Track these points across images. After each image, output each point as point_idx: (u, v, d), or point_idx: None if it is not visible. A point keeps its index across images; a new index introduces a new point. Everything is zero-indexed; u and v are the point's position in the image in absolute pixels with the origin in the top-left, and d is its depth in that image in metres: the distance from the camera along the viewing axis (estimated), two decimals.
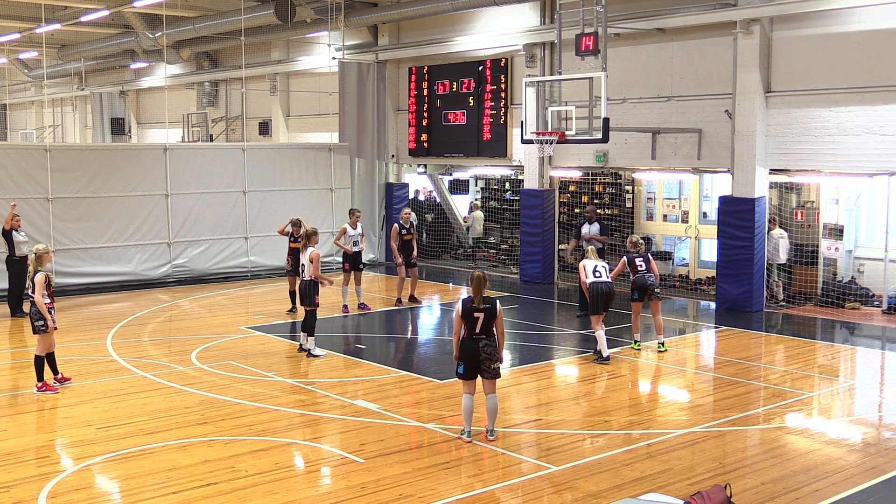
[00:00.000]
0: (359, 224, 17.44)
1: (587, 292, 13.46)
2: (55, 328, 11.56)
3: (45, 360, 11.57)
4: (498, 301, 9.63)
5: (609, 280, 13.31)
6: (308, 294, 13.46)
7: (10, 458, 9.09)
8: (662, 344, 13.85)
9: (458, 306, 9.56)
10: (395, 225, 17.89)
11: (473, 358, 9.49)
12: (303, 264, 13.68)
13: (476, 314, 9.46)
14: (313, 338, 13.47)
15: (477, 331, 9.48)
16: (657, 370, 13.01)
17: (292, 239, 16.66)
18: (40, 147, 19.49)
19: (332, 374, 12.55)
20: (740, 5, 16.78)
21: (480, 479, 8.65)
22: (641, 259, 13.76)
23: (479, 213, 24.97)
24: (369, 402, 11.02)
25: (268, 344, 14.47)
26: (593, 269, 13.32)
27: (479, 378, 9.63)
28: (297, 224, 16.69)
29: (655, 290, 13.71)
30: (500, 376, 9.71)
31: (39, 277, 11.40)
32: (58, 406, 11.03)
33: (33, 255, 11.65)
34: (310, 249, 13.54)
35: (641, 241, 14.21)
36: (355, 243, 17.18)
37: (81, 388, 11.70)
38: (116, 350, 13.90)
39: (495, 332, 9.55)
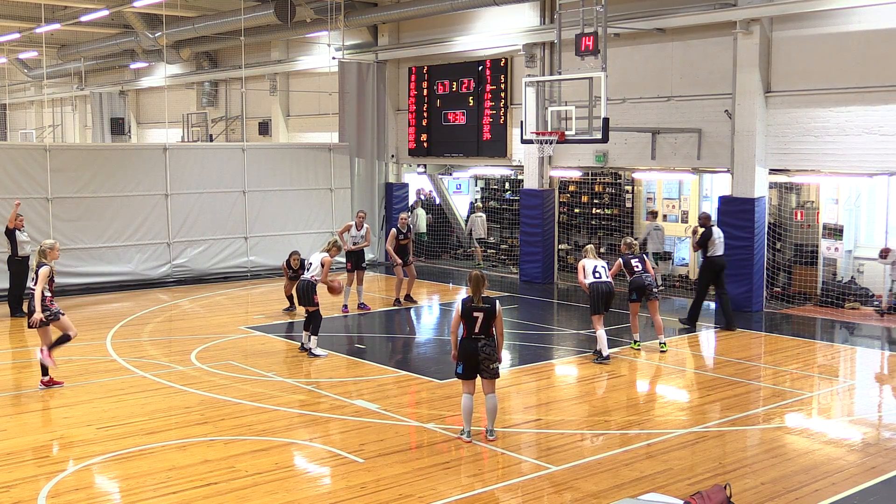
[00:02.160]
0: (364, 225, 17.51)
1: (586, 291, 13.50)
2: (39, 320, 11.39)
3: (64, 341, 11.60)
4: (497, 301, 9.63)
5: (609, 280, 13.34)
6: (307, 294, 13.48)
7: (10, 458, 9.09)
8: (664, 344, 13.86)
9: (458, 305, 9.57)
10: (394, 230, 17.88)
11: (472, 358, 9.49)
12: (310, 263, 13.78)
13: (475, 314, 9.46)
14: (316, 337, 13.48)
15: (476, 331, 9.48)
16: (657, 370, 13.02)
17: (291, 274, 16.67)
18: (40, 147, 19.49)
19: (331, 374, 12.55)
20: (740, 5, 16.79)
21: (480, 479, 8.65)
22: (637, 260, 13.78)
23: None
24: (369, 402, 11.02)
25: (268, 344, 14.47)
26: (593, 270, 13.34)
27: (478, 378, 9.64)
28: (295, 254, 16.85)
29: (654, 290, 13.74)
30: (499, 376, 9.70)
31: (44, 270, 11.41)
32: (58, 406, 11.03)
33: (39, 249, 11.66)
34: (325, 254, 13.69)
35: (636, 241, 14.22)
36: (355, 242, 17.27)
37: (81, 388, 11.70)
38: (116, 350, 13.90)
39: (494, 332, 9.55)
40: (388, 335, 16.14)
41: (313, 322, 13.47)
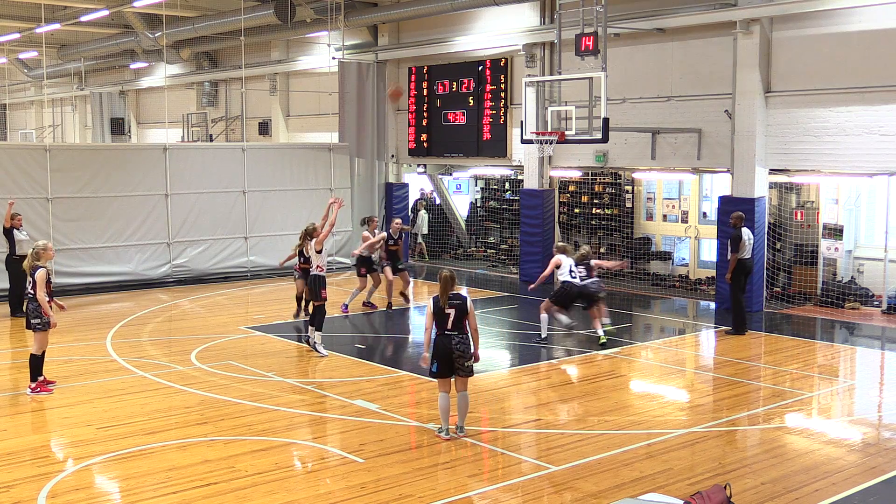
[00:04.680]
0: (377, 230, 17.57)
1: (541, 281, 14.63)
2: (55, 324, 11.45)
3: (41, 360, 11.52)
4: (468, 298, 9.69)
5: (581, 283, 14.26)
6: (315, 288, 13.45)
7: (10, 458, 9.09)
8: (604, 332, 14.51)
9: (430, 303, 9.64)
10: (385, 233, 17.59)
11: (446, 355, 9.54)
12: (308, 257, 13.76)
13: (447, 310, 9.54)
14: (320, 333, 13.46)
15: (448, 327, 9.54)
16: (657, 370, 13.02)
17: (302, 259, 15.55)
18: (40, 147, 19.48)
19: (332, 374, 12.55)
20: (740, 5, 16.78)
21: (480, 479, 8.65)
22: (582, 266, 14.54)
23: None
24: (369, 402, 11.02)
25: (268, 344, 14.46)
26: (569, 269, 14.30)
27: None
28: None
29: (598, 295, 14.51)
30: (473, 374, 9.78)
31: (41, 274, 11.38)
32: (58, 406, 11.02)
33: (32, 251, 11.59)
34: (311, 242, 13.64)
35: (585, 247, 15.19)
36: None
37: (81, 388, 11.70)
38: (116, 350, 13.90)
39: (468, 328, 9.61)
40: (388, 335, 16.14)
41: (317, 317, 13.45)
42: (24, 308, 11.64)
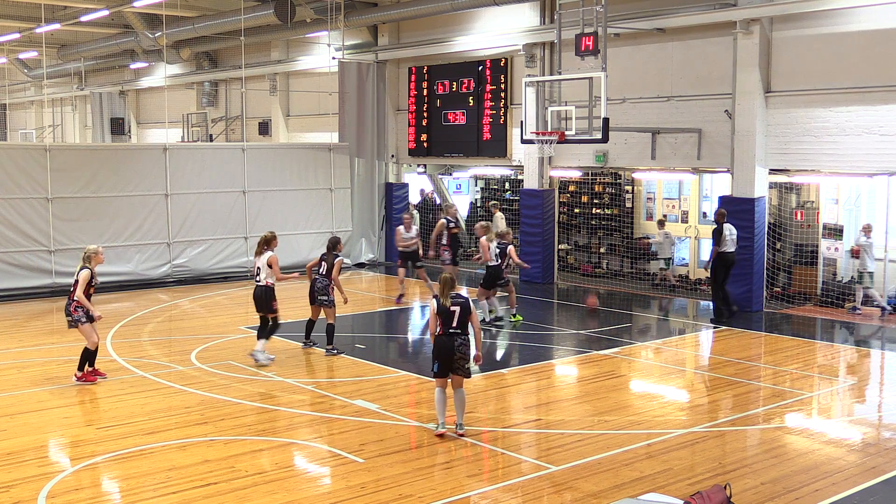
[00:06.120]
0: (413, 227, 18.05)
1: (483, 262, 15.99)
2: (99, 317, 11.85)
3: (94, 352, 11.93)
4: (469, 297, 9.85)
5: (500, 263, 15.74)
6: (265, 300, 12.95)
7: (10, 458, 9.09)
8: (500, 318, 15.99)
9: (433, 303, 9.70)
10: (443, 220, 18.07)
11: (448, 355, 9.60)
12: (258, 267, 12.98)
13: (451, 308, 9.62)
14: (263, 341, 12.95)
15: (454, 325, 9.60)
16: (657, 370, 13.02)
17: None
18: (40, 147, 19.49)
19: (331, 374, 12.56)
20: (740, 5, 16.79)
21: (480, 479, 8.65)
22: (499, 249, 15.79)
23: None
24: (369, 402, 11.02)
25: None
26: (495, 254, 15.72)
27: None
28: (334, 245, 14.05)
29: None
30: (470, 376, 9.91)
31: (84, 274, 11.73)
32: (58, 406, 11.03)
33: (84, 254, 11.96)
34: (268, 253, 12.94)
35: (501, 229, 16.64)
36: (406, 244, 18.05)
37: (81, 388, 11.70)
38: (116, 350, 13.90)
39: (472, 328, 9.70)
40: (388, 335, 16.14)
41: (272, 328, 12.98)
42: (65, 307, 11.93)
